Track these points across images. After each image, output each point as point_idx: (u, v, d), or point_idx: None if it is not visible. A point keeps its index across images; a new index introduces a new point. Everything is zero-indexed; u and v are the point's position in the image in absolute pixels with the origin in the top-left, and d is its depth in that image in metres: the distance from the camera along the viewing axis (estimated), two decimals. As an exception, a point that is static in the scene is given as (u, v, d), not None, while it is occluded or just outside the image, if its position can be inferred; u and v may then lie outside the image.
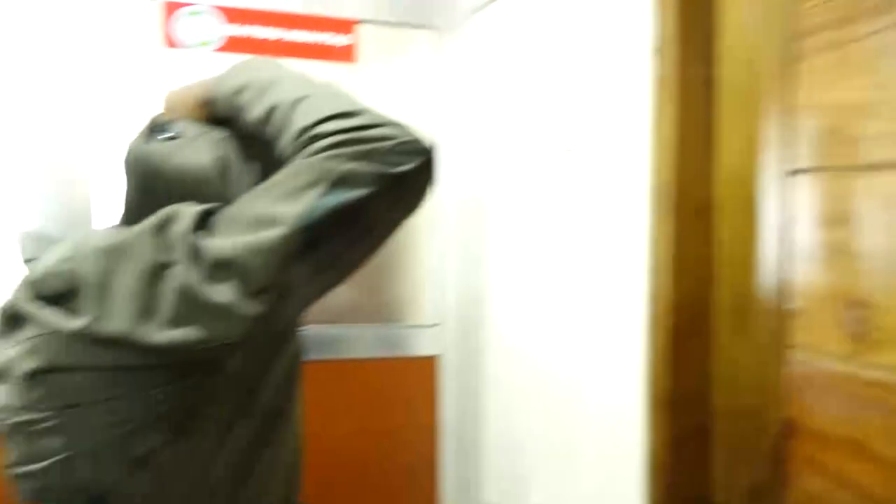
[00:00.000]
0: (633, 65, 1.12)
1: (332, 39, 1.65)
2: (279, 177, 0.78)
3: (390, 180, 0.76)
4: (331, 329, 1.67)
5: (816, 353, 0.89)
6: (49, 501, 0.82)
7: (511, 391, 1.63)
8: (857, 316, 0.83)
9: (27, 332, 0.82)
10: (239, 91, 0.89)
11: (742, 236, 1.01)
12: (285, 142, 0.81)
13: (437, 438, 1.80)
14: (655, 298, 1.08)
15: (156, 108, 1.41)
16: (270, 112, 0.84)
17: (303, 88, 0.85)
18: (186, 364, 0.77)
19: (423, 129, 0.81)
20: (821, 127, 0.88)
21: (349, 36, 1.66)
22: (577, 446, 1.31)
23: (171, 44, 1.57)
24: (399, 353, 1.77)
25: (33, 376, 0.79)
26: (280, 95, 0.84)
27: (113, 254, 0.77)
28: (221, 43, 1.61)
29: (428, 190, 0.82)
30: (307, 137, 0.78)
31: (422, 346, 1.79)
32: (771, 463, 0.95)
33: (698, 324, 1.08)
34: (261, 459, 0.89)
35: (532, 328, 1.51)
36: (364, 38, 1.69)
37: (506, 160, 1.61)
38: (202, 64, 1.59)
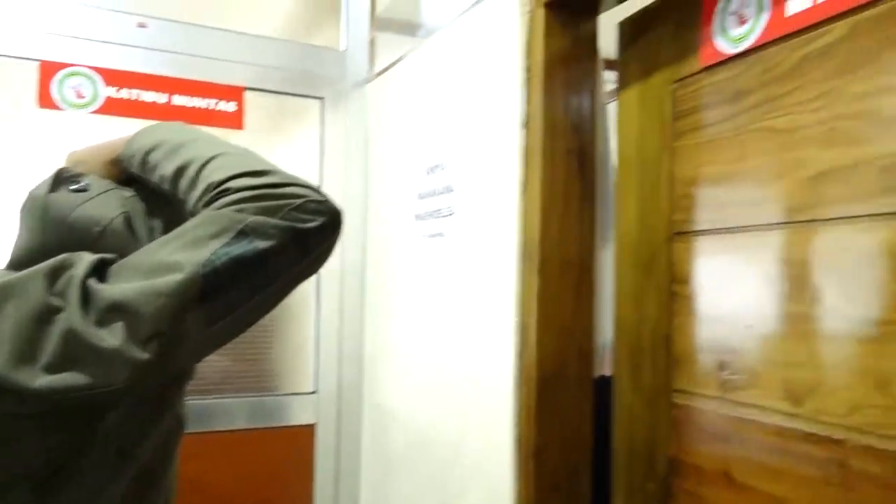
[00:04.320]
0: (504, 136, 1.21)
1: (219, 105, 1.67)
2: (184, 227, 0.78)
3: (296, 235, 0.78)
4: (205, 401, 1.63)
5: (693, 397, 0.98)
6: None
7: (389, 457, 1.63)
8: (725, 361, 0.93)
9: None
10: (152, 149, 0.90)
11: (636, 292, 1.10)
12: (195, 196, 0.82)
13: (313, 507, 1.76)
14: (522, 353, 1.14)
15: (36, 166, 1.37)
16: (183, 168, 0.85)
17: (216, 148, 0.87)
18: (63, 415, 0.73)
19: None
20: (693, 195, 1.00)
21: (236, 102, 1.69)
22: (456, 505, 1.32)
23: (47, 104, 1.54)
24: (275, 422, 1.73)
25: None
26: (193, 153, 0.86)
27: None
28: (100, 105, 1.59)
29: (331, 250, 0.85)
30: (217, 191, 0.80)
31: (299, 414, 1.76)
32: (659, 500, 1.02)
33: (566, 375, 1.14)
34: None
35: (412, 393, 1.53)
36: (251, 104, 1.72)
37: (385, 227, 1.66)
38: (80, 125, 1.56)
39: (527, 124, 1.17)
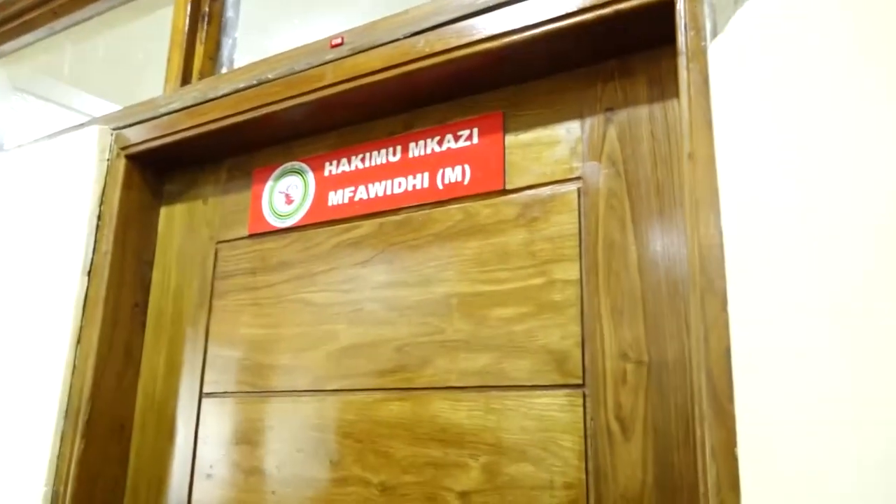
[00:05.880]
0: (63, 282, 1.11)
1: None
2: None
3: None
4: None
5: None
6: None
7: None
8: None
9: None
10: None
11: (158, 455, 1.04)
12: None
13: None
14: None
15: None
16: None
17: None
18: None
19: None
20: (227, 356, 1.02)
21: None
22: None
23: None
24: None
25: None
26: None
27: None
28: None
29: None
30: None
31: None
32: None
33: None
34: None
35: None
36: None
37: None
38: None
39: (90, 273, 1.10)
